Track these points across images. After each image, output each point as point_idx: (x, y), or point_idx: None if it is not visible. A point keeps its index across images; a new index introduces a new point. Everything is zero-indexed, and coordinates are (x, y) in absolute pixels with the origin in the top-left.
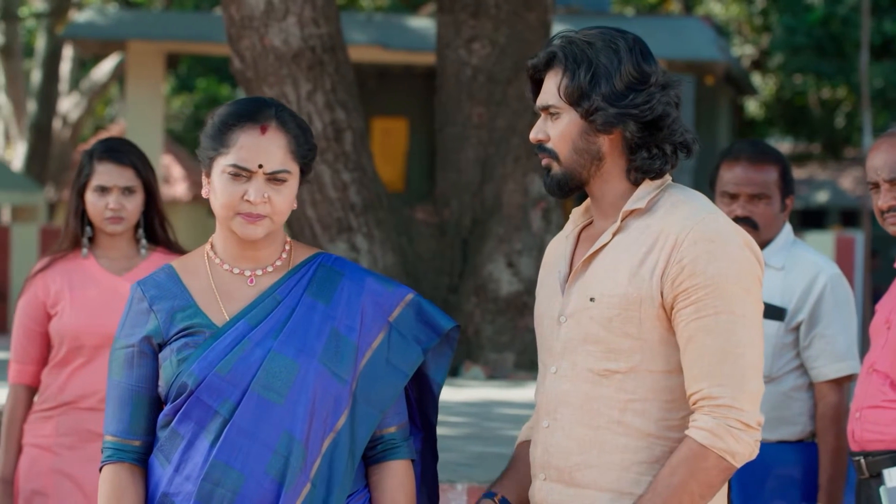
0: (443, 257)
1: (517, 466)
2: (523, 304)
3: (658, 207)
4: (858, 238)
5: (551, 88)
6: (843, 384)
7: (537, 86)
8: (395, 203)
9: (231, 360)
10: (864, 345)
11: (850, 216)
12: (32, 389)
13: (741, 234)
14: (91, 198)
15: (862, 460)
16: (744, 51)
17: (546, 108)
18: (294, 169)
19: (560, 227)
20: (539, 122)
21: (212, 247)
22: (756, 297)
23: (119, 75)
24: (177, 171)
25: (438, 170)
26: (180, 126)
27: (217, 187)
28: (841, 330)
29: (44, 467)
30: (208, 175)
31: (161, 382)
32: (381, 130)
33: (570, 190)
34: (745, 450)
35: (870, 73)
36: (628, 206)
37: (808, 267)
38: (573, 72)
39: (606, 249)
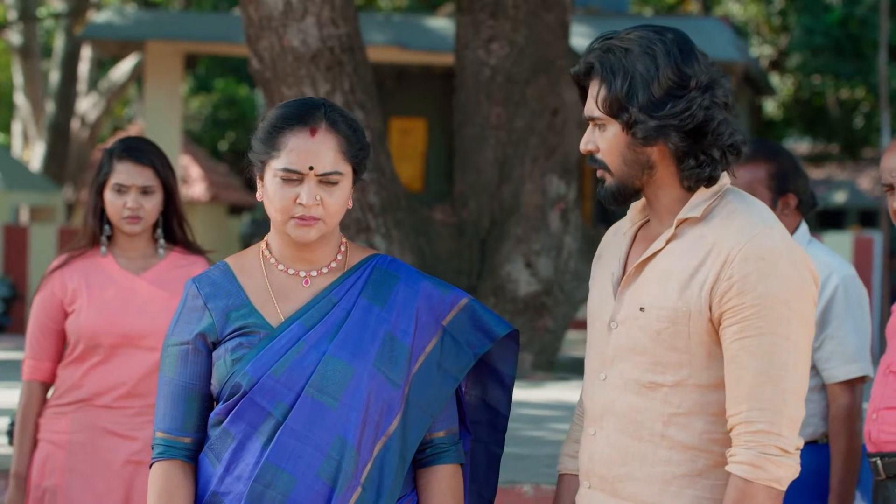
0: (461, 258)
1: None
2: (542, 304)
3: (714, 216)
4: (877, 238)
5: (596, 100)
6: (856, 385)
7: (585, 92)
8: (414, 203)
9: (286, 362)
10: (883, 346)
11: (868, 216)
12: (47, 386)
13: (796, 252)
14: (109, 196)
15: (879, 461)
16: (762, 51)
17: (592, 119)
18: (346, 170)
19: (578, 228)
20: (588, 132)
21: (267, 246)
22: (804, 319)
23: (137, 76)
24: (195, 171)
25: (457, 170)
26: (198, 126)
27: (270, 191)
28: (852, 331)
29: (57, 464)
30: (261, 179)
31: (214, 381)
32: (399, 131)
33: (626, 199)
34: (788, 473)
35: (888, 74)
36: (682, 215)
37: (821, 267)
38: (609, 82)
39: (659, 256)
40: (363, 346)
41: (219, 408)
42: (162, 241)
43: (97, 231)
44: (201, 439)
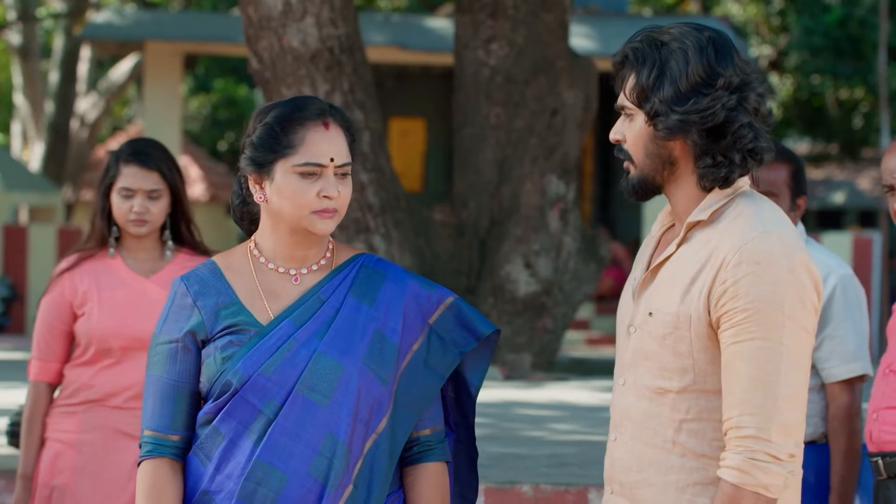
0: (460, 258)
1: None
2: (541, 304)
3: (722, 219)
4: (876, 239)
5: (624, 89)
6: (855, 385)
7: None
8: (413, 204)
9: (276, 360)
10: (883, 346)
11: (867, 217)
12: (53, 387)
13: (794, 257)
14: (116, 200)
15: (880, 461)
16: (761, 51)
17: (623, 109)
18: (350, 160)
19: (577, 228)
20: (618, 123)
21: (255, 245)
22: (801, 325)
23: (137, 76)
24: (194, 171)
25: (456, 170)
26: (198, 127)
27: (285, 189)
28: (851, 330)
29: (66, 464)
30: (260, 181)
31: (203, 379)
32: (398, 131)
33: (646, 194)
34: (777, 480)
35: (887, 74)
36: (691, 218)
37: (819, 267)
38: (639, 72)
39: (671, 261)
40: (353, 345)
41: (208, 406)
42: (170, 244)
43: (105, 233)
44: (189, 437)
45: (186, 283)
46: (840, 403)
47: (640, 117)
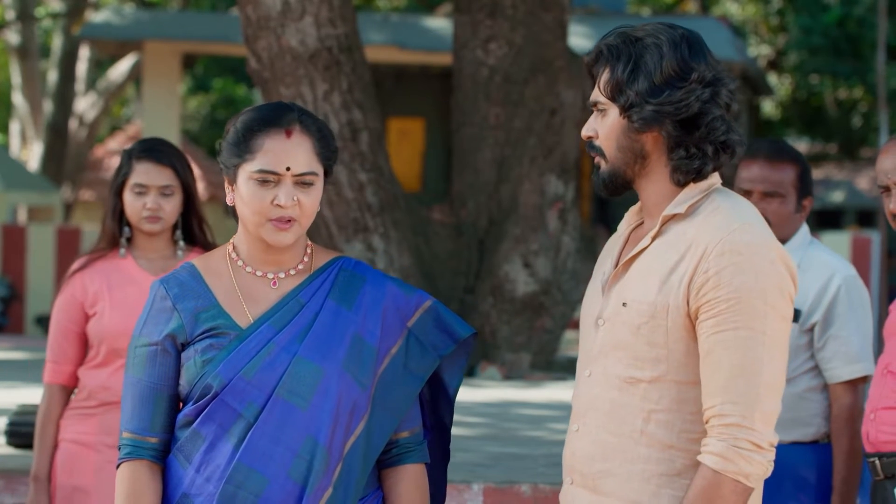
0: (459, 258)
1: None
2: (539, 304)
3: (698, 213)
4: (875, 238)
5: (598, 84)
6: (858, 385)
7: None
8: (412, 203)
9: (256, 364)
10: (880, 345)
11: (866, 216)
12: (68, 389)
13: (774, 248)
14: (129, 197)
15: (877, 461)
16: (760, 51)
17: (595, 105)
18: (319, 171)
19: (576, 228)
20: (590, 119)
21: (234, 248)
22: (782, 315)
23: (135, 75)
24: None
25: (455, 170)
26: (196, 126)
27: (244, 194)
28: (855, 331)
29: (87, 465)
30: (231, 183)
31: (183, 382)
32: (397, 131)
33: (617, 188)
34: (758, 470)
35: (886, 74)
36: (667, 212)
37: (823, 268)
38: (613, 67)
39: (645, 254)
40: (333, 348)
41: (188, 409)
42: (181, 243)
43: (116, 233)
44: (168, 440)
45: (166, 286)
46: (843, 404)
47: (614, 111)
